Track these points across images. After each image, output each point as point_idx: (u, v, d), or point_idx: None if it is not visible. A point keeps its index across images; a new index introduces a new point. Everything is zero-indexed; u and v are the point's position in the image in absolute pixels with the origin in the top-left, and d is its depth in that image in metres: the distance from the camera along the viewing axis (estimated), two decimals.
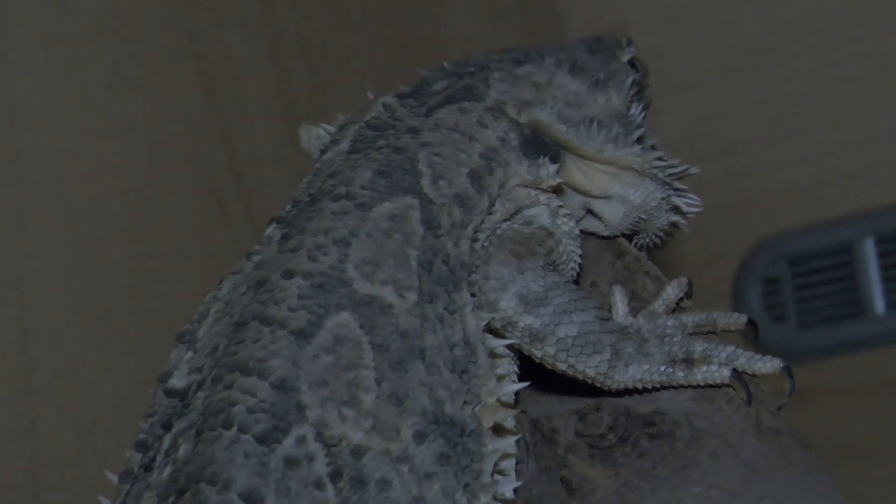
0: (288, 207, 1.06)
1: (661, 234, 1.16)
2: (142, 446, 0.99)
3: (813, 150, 1.58)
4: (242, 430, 0.90)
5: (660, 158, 1.14)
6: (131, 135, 1.34)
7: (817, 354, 1.52)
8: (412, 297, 0.98)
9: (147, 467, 0.97)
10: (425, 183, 1.04)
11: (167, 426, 0.98)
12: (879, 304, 1.52)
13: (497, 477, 0.96)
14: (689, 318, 1.04)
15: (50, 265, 1.27)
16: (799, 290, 1.55)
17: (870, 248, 1.53)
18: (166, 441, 0.97)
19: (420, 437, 0.93)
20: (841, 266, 1.54)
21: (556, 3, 1.71)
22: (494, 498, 0.95)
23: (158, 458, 0.97)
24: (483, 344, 0.99)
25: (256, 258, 1.03)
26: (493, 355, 0.99)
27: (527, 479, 1.00)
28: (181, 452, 0.94)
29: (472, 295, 1.01)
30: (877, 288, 1.51)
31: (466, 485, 0.94)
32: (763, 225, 1.54)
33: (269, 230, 1.05)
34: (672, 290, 1.07)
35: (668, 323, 1.03)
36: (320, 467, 0.91)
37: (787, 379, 1.02)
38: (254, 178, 1.38)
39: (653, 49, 1.20)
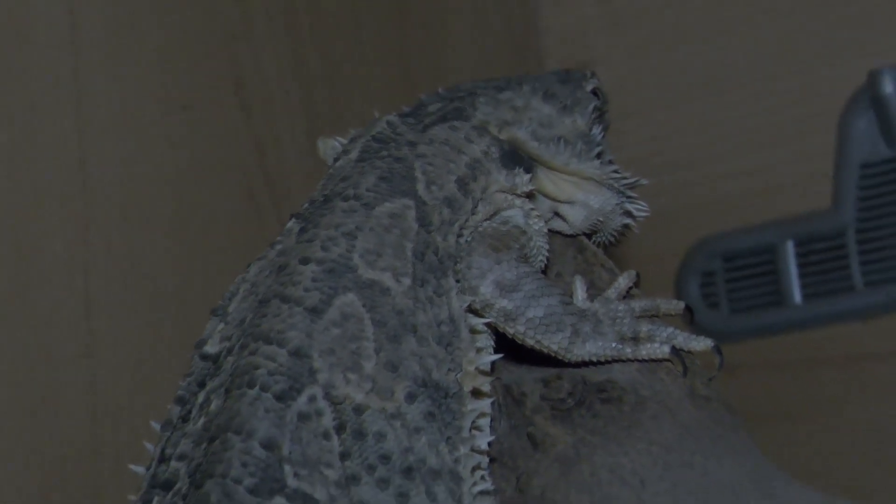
0: (306, 205, 1.06)
1: (616, 233, 1.16)
2: (180, 401, 0.99)
3: (744, 167, 1.58)
4: (264, 389, 0.91)
5: (615, 171, 1.14)
6: (180, 144, 1.35)
7: (744, 336, 1.51)
8: (407, 281, 0.98)
9: (184, 418, 0.97)
10: (420, 187, 1.04)
11: (202, 384, 0.98)
12: (797, 296, 1.52)
13: (474, 432, 0.96)
14: (637, 304, 1.05)
15: (110, 249, 1.28)
16: (730, 282, 1.55)
17: (790, 249, 1.53)
18: (201, 397, 0.97)
19: (411, 397, 0.94)
20: (766, 263, 1.54)
21: (537, 42, 1.70)
22: (472, 449, 0.95)
23: (194, 411, 0.97)
24: (465, 322, 1.00)
25: (278, 247, 1.04)
26: (473, 331, 1.00)
27: (499, 435, 1.00)
28: (213, 407, 0.94)
29: (457, 281, 1.01)
30: (795, 282, 1.51)
31: (448, 438, 0.94)
32: (701, 228, 1.53)
33: (290, 224, 1.05)
34: (623, 281, 1.08)
35: (620, 307, 1.03)
36: (328, 421, 0.91)
37: (716, 355, 1.03)
38: (279, 180, 1.38)
39: (615, 81, 1.20)
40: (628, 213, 1.16)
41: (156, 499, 0.94)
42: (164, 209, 1.33)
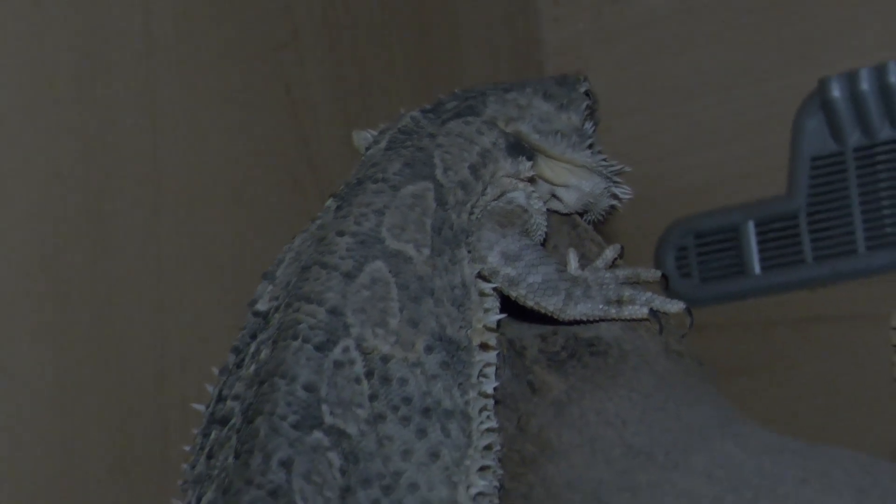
0: (342, 187, 1.05)
1: (603, 213, 1.15)
2: (236, 350, 0.99)
3: (713, 159, 1.57)
4: (305, 341, 0.91)
5: (604, 160, 1.13)
6: (237, 135, 1.35)
7: (711, 301, 1.51)
8: (426, 252, 0.97)
9: (238, 365, 0.97)
10: (438, 172, 1.03)
11: (254, 337, 0.98)
12: (756, 267, 1.51)
13: (482, 379, 0.96)
14: (621, 272, 1.04)
15: (178, 222, 1.29)
16: (700, 255, 1.54)
17: (751, 228, 1.52)
18: (252, 347, 0.97)
19: (429, 349, 0.93)
20: (730, 240, 1.53)
21: (538, 53, 1.69)
22: (479, 393, 0.95)
23: (247, 359, 0.97)
24: (475, 286, 0.99)
25: (318, 221, 1.03)
26: (481, 294, 0.99)
27: (503, 381, 0.99)
28: (262, 356, 0.94)
29: (469, 251, 1.00)
30: (755, 256, 1.51)
31: (460, 384, 0.94)
32: (676, 210, 1.53)
33: (329, 202, 1.05)
34: (609, 253, 1.07)
35: (606, 275, 1.02)
36: (359, 369, 0.91)
37: (687, 316, 1.02)
38: (320, 166, 1.38)
39: (604, 86, 1.19)
40: (614, 196, 1.15)
41: (214, 432, 0.94)
42: (223, 189, 1.33)
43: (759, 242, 1.53)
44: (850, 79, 1.47)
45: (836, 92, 1.48)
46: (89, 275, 1.21)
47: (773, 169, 1.55)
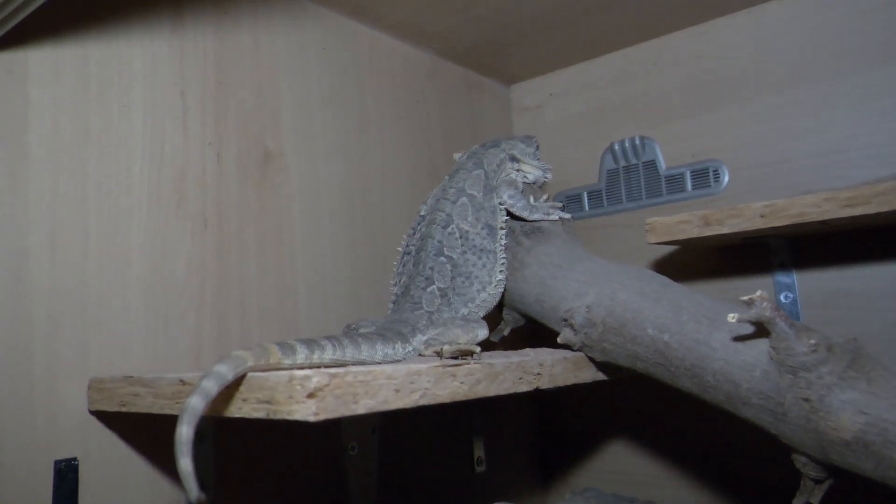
0: (450, 172, 0.97)
1: (542, 184, 1.06)
2: (413, 230, 0.92)
3: (574, 171, 1.46)
4: (438, 224, 0.85)
5: (544, 164, 1.04)
6: (408, 156, 1.24)
7: (575, 218, 1.40)
8: (482, 193, 0.90)
9: (413, 234, 0.90)
10: (486, 166, 0.95)
11: (419, 224, 0.91)
12: (587, 207, 1.42)
13: (500, 239, 0.89)
14: (549, 203, 0.96)
15: (390, 190, 1.17)
16: (568, 204, 1.45)
17: (585, 195, 1.42)
18: (417, 227, 0.90)
19: (483, 228, 0.87)
20: (578, 198, 1.44)
21: (513, 131, 1.55)
22: (500, 245, 0.88)
23: (416, 232, 0.90)
24: (498, 207, 0.92)
25: (441, 185, 0.95)
26: (500, 210, 0.91)
27: (507, 241, 0.92)
28: (422, 230, 0.88)
29: (496, 195, 0.93)
30: (586, 204, 1.41)
31: (493, 240, 0.88)
32: (560, 187, 1.43)
33: (445, 177, 0.97)
34: (545, 196, 0.99)
35: (544, 204, 0.95)
36: (457, 234, 0.85)
37: (571, 221, 0.96)
38: (440, 166, 1.28)
39: (541, 142, 1.07)
40: (546, 179, 1.05)
41: (405, 257, 0.89)
42: (404, 180, 1.21)
43: (588, 200, 1.43)
44: (622, 142, 1.36)
45: (616, 146, 1.37)
46: (364, 204, 1.13)
47: (593, 174, 1.43)
